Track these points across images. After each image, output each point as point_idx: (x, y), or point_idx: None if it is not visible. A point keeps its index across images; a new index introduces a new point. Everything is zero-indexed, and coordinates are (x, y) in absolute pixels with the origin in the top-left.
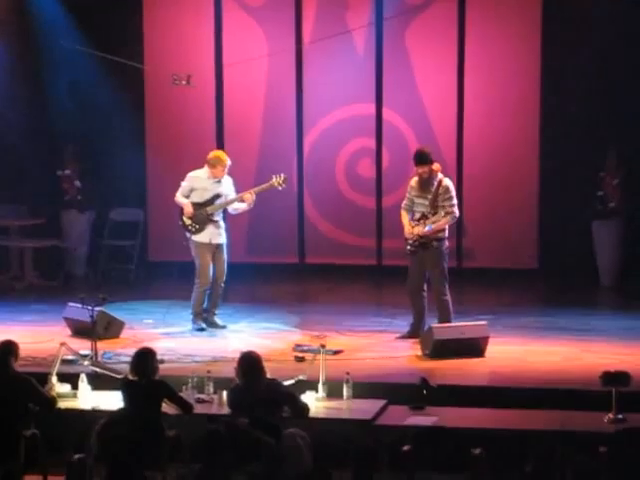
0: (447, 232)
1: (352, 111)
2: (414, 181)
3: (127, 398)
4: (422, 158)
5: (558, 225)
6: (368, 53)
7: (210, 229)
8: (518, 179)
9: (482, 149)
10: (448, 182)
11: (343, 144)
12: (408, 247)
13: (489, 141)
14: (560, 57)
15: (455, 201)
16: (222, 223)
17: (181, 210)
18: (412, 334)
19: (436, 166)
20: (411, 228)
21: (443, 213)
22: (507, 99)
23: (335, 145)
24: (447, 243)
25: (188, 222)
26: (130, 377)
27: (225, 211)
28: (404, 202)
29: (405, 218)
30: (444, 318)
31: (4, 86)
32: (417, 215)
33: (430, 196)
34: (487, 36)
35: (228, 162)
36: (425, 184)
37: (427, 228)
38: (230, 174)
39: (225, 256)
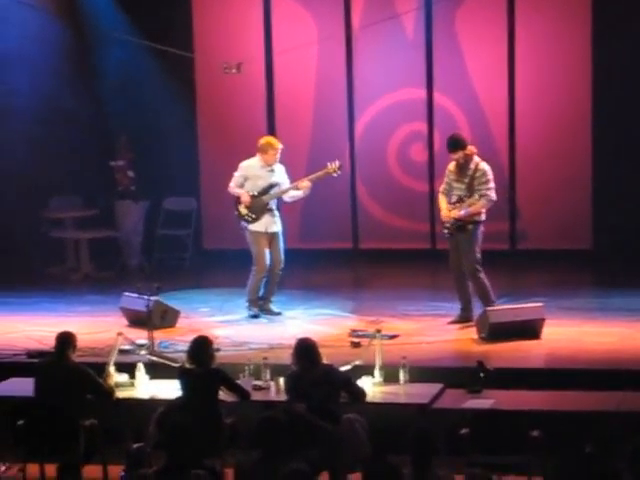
0: (484, 216)
1: (403, 95)
2: (452, 165)
3: (184, 386)
4: (455, 144)
5: (612, 205)
6: (418, 37)
7: (266, 218)
8: (571, 161)
9: (534, 131)
10: (485, 166)
11: (394, 129)
12: (446, 230)
13: (541, 123)
14: (611, 37)
15: (492, 185)
16: (277, 212)
17: (236, 200)
18: (463, 318)
19: (470, 149)
20: (448, 212)
21: (477, 196)
22: (558, 80)
23: (386, 130)
24: (483, 227)
25: (245, 212)
26: (187, 365)
27: (279, 199)
28: (442, 186)
29: (443, 202)
30: (485, 298)
31: (56, 79)
32: (454, 198)
33: (467, 180)
34: (537, 17)
35: (279, 146)
36: (462, 168)
37: (462, 212)
38: (282, 161)
39: (282, 244)
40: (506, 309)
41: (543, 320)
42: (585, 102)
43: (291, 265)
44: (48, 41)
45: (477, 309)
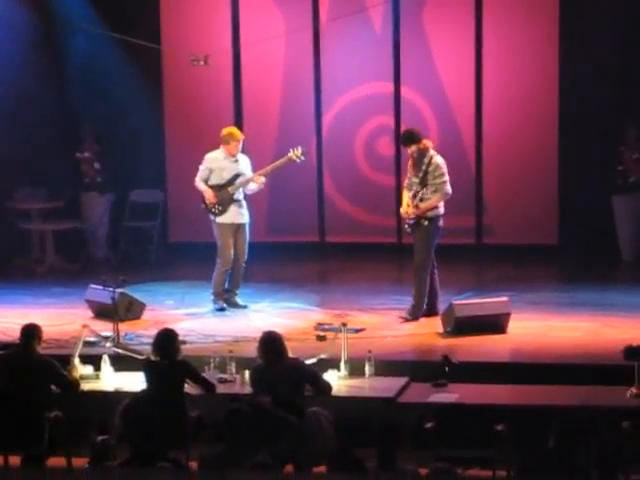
0: (442, 209)
1: (370, 89)
2: (410, 160)
3: (150, 379)
4: (408, 138)
5: (578, 200)
6: (385, 31)
7: (233, 209)
8: (537, 155)
9: (500, 125)
10: (439, 159)
11: (361, 122)
12: (406, 226)
13: (507, 117)
14: (578, 31)
15: (446, 178)
16: (244, 202)
17: (204, 196)
18: (429, 312)
19: (424, 143)
20: (406, 207)
21: (432, 190)
22: (525, 74)
23: (353, 123)
24: (442, 222)
25: (211, 205)
26: (152, 358)
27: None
28: (406, 181)
29: (405, 197)
30: (418, 298)
31: (21, 68)
32: (411, 193)
33: (421, 174)
34: (504, 12)
35: (241, 137)
36: (416, 163)
37: (417, 210)
38: (249, 153)
39: (247, 236)
40: (472, 303)
41: (509, 314)
42: (552, 96)
43: (257, 258)
44: (14, 30)
45: (442, 304)
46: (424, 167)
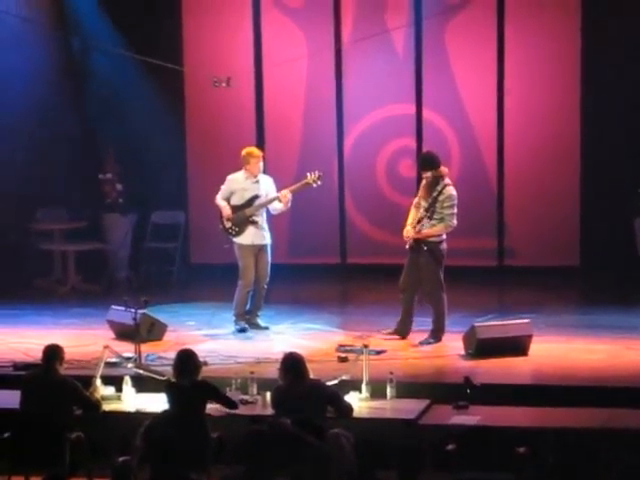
0: (444, 235)
1: (392, 111)
2: (424, 182)
3: (171, 399)
4: (428, 162)
5: (600, 222)
6: (407, 53)
7: (251, 230)
8: (559, 177)
9: (522, 148)
10: (452, 190)
11: (383, 144)
12: (407, 245)
13: (529, 139)
14: (601, 54)
15: (455, 210)
16: (265, 224)
17: (220, 214)
18: (399, 332)
19: (441, 170)
20: (409, 228)
21: (438, 219)
22: (547, 97)
23: (375, 145)
24: (445, 245)
25: (228, 225)
26: (173, 379)
27: (268, 211)
28: (415, 199)
29: (410, 217)
30: (434, 322)
31: (43, 89)
32: (418, 216)
33: (430, 200)
34: (527, 34)
35: (260, 154)
36: (428, 188)
37: (418, 234)
38: (271, 175)
39: (268, 257)
40: (494, 325)
41: (530, 336)
42: (574, 119)
43: (279, 280)
44: (35, 51)
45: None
46: (435, 194)
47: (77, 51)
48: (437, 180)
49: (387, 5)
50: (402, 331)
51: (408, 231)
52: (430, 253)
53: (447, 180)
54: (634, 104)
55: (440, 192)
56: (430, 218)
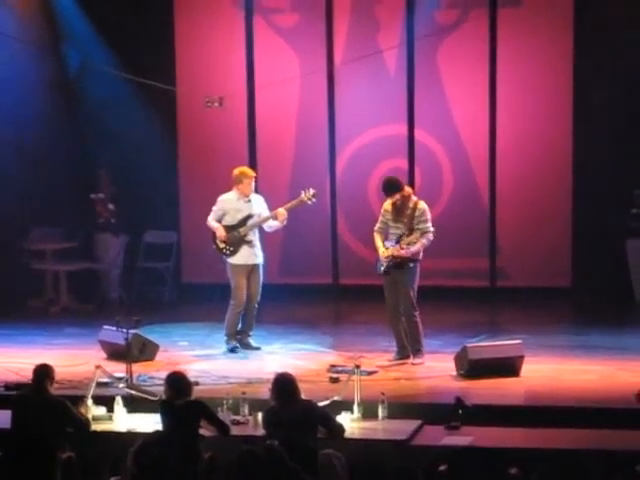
0: (421, 255)
1: (384, 132)
2: (388, 205)
3: (165, 418)
4: (391, 187)
5: (592, 243)
6: (399, 73)
7: (244, 250)
8: (551, 198)
9: (514, 168)
10: (424, 205)
11: (375, 164)
12: (382, 268)
13: (521, 160)
14: (592, 74)
15: (430, 224)
16: (257, 243)
17: (214, 234)
18: (401, 356)
19: (407, 191)
20: (385, 250)
21: (419, 234)
22: (539, 117)
23: (367, 166)
24: (419, 265)
25: (222, 245)
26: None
27: (261, 231)
28: (377, 225)
29: (378, 241)
30: (416, 342)
31: (37, 110)
32: (392, 237)
33: (406, 219)
34: (518, 55)
35: (253, 175)
36: (399, 209)
37: (404, 251)
38: (263, 194)
39: (260, 277)
40: (485, 346)
41: (522, 357)
42: (566, 139)
43: (271, 300)
44: (30, 73)
45: (456, 346)
46: (409, 212)
47: (71, 71)
48: (406, 199)
49: (379, 26)
50: (404, 355)
51: (384, 253)
52: (411, 272)
53: (414, 197)
54: (627, 124)
55: (414, 209)
56: (410, 234)
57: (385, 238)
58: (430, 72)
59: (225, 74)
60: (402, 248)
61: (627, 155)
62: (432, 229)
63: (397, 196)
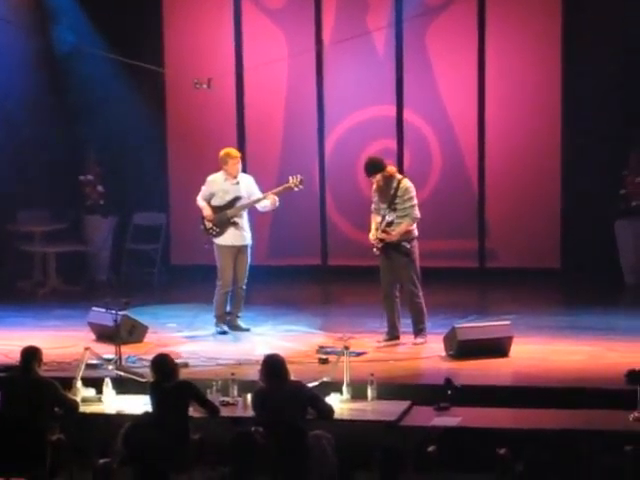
0: (416, 231)
1: (373, 112)
2: (375, 185)
3: (155, 400)
4: (372, 168)
5: (581, 224)
6: (388, 54)
7: (231, 231)
8: (540, 178)
9: (503, 149)
10: (408, 183)
11: (364, 145)
12: (375, 249)
13: (510, 140)
14: (581, 55)
15: (415, 202)
16: (246, 225)
17: (202, 214)
18: (391, 336)
19: (389, 170)
20: (375, 232)
21: (402, 214)
22: (528, 98)
23: (356, 146)
24: (416, 243)
25: (209, 225)
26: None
27: (250, 212)
28: (372, 205)
29: (373, 222)
30: (419, 322)
31: (24, 91)
32: (379, 218)
33: (389, 199)
34: (507, 35)
35: (238, 155)
36: (383, 189)
37: (386, 236)
38: (252, 175)
39: (247, 258)
40: (474, 327)
41: (511, 338)
42: (555, 121)
43: (260, 281)
44: (17, 55)
45: (445, 327)
46: (392, 191)
47: (59, 52)
48: (389, 179)
49: (368, 6)
50: (394, 335)
51: (373, 235)
52: (406, 255)
53: (399, 175)
54: (615, 107)
55: (397, 188)
56: (392, 214)
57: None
58: (419, 53)
59: (213, 55)
60: (384, 231)
61: (616, 135)
62: (416, 209)
63: (378, 176)
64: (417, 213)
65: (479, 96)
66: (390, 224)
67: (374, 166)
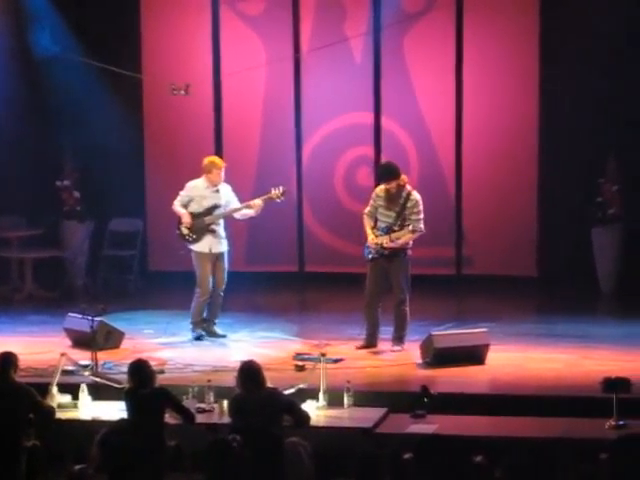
0: (411, 243)
1: (350, 120)
2: (380, 190)
3: (130, 406)
4: (389, 174)
5: (557, 232)
6: (366, 61)
7: (208, 238)
8: (517, 186)
9: (480, 156)
10: (417, 196)
11: (341, 153)
12: (370, 255)
13: (487, 148)
14: (558, 63)
15: (422, 216)
16: (222, 232)
17: (179, 220)
18: (369, 343)
19: (403, 179)
20: (375, 237)
21: (410, 228)
22: (505, 105)
23: (334, 154)
24: (410, 252)
25: (186, 232)
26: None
27: (226, 219)
28: (367, 208)
29: (368, 225)
30: (400, 329)
31: (1, 95)
32: (382, 225)
33: (397, 209)
34: (485, 42)
35: (223, 165)
36: (393, 197)
37: (392, 243)
38: (229, 182)
39: (225, 265)
40: (451, 334)
41: (488, 346)
42: (532, 128)
43: (236, 288)
44: None
45: (421, 334)
46: (401, 201)
47: (36, 57)
48: (401, 188)
49: (346, 13)
50: (372, 343)
51: (375, 241)
52: (403, 262)
53: (408, 187)
54: (592, 111)
55: (407, 199)
56: (401, 226)
57: (376, 226)
58: (396, 60)
59: (191, 61)
60: (392, 240)
61: (593, 143)
62: (422, 222)
63: (393, 184)
64: (422, 227)
65: (457, 103)
66: (393, 232)
67: (391, 172)
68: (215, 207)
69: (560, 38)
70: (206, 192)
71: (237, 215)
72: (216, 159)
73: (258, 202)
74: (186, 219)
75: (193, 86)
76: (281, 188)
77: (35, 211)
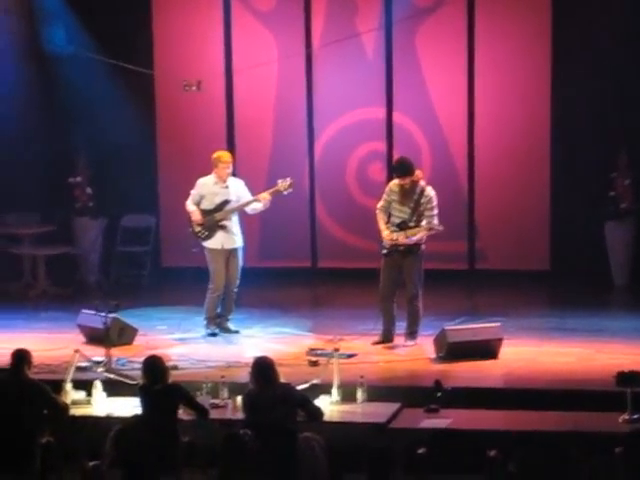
0: (425, 238)
1: (362, 115)
2: (395, 186)
3: (144, 402)
4: (404, 170)
5: (570, 226)
6: (378, 56)
7: (220, 235)
8: (529, 180)
9: (493, 151)
10: (431, 191)
11: (354, 148)
12: (384, 250)
13: (500, 143)
14: (571, 57)
15: (436, 211)
16: (235, 228)
17: (190, 218)
18: (385, 338)
19: (417, 175)
20: (390, 233)
21: (425, 224)
22: (517, 100)
23: (346, 149)
24: (424, 247)
25: (197, 229)
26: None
27: (241, 215)
28: (381, 203)
29: (381, 220)
30: (413, 324)
31: (13, 93)
32: (396, 220)
33: (412, 204)
34: (496, 37)
35: (229, 160)
36: (407, 193)
37: (407, 239)
38: (242, 178)
39: (239, 261)
40: (464, 329)
41: (501, 340)
42: (545, 122)
43: (250, 283)
44: (6, 56)
45: (435, 329)
46: (416, 197)
47: (48, 54)
48: (416, 184)
49: (357, 9)
50: (388, 338)
51: (389, 236)
52: (417, 257)
53: (422, 182)
54: (605, 106)
55: (421, 195)
56: (417, 222)
57: (390, 221)
58: (408, 55)
59: (203, 58)
60: (407, 237)
61: (606, 138)
62: (436, 218)
63: (407, 180)
64: (437, 222)
65: (469, 98)
66: (409, 228)
67: (406, 168)
68: (226, 203)
69: (573, 32)
70: (216, 188)
71: (247, 209)
72: (222, 154)
73: (266, 195)
74: (196, 216)
75: (205, 82)
76: (288, 180)
77: (48, 208)
